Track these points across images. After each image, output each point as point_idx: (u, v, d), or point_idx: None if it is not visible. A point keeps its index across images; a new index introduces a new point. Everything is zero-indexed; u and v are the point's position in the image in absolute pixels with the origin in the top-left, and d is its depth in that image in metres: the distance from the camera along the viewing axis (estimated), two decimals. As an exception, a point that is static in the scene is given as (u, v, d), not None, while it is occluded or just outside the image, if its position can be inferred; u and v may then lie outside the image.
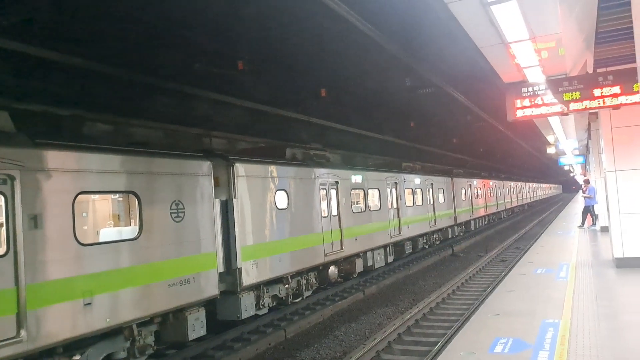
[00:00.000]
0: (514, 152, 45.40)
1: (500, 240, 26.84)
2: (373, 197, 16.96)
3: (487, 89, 15.82)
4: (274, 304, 11.48)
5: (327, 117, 17.81)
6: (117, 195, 8.76)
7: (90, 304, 6.99)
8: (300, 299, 12.43)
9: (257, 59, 11.32)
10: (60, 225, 6.79)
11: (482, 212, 32.64)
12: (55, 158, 6.86)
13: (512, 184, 47.34)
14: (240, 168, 10.28)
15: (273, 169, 11.55)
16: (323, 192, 13.59)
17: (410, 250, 19.85)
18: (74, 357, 7.00)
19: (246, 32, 10.20)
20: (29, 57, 8.48)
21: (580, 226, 21.27)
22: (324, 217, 13.38)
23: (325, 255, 13.21)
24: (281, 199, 11.65)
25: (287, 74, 13.11)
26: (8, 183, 6.26)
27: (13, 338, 6.06)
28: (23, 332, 6.15)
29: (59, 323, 6.63)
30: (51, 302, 6.57)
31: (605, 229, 16.61)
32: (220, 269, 9.58)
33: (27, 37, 8.23)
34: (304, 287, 12.51)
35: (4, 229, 6.29)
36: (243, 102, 13.74)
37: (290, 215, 11.89)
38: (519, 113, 9.81)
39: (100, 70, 9.57)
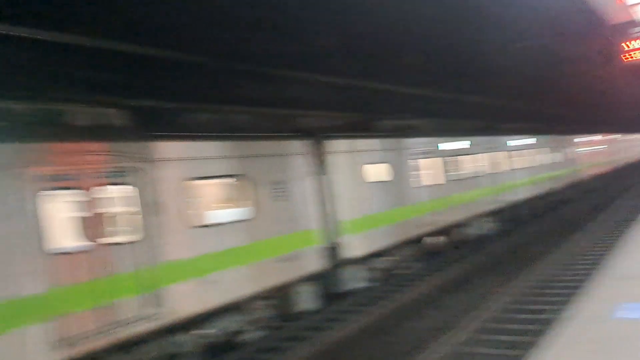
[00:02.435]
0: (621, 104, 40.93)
1: (619, 197, 24.54)
2: (477, 162, 16.40)
3: (589, 35, 14.41)
4: (378, 276, 11.53)
5: (417, 85, 17.21)
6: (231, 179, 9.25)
7: (215, 281, 7.57)
8: (403, 271, 12.36)
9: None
10: (181, 210, 7.36)
11: (599, 170, 30.27)
12: (167, 149, 7.42)
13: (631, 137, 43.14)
14: (334, 144, 10.41)
15: (367, 142, 11.56)
16: (426, 163, 13.43)
17: (523, 216, 18.97)
18: (207, 331, 7.64)
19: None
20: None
21: None
22: (425, 186, 13.21)
23: (425, 225, 13.02)
24: (377, 172, 11.64)
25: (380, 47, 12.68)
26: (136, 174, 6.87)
27: (152, 315, 6.74)
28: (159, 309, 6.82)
29: (191, 298, 7.26)
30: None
31: None
32: (323, 244, 9.83)
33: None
34: (407, 260, 12.43)
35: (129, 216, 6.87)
36: (332, 78, 13.66)
37: (391, 187, 11.89)
38: (630, 55, 8.88)
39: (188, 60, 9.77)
